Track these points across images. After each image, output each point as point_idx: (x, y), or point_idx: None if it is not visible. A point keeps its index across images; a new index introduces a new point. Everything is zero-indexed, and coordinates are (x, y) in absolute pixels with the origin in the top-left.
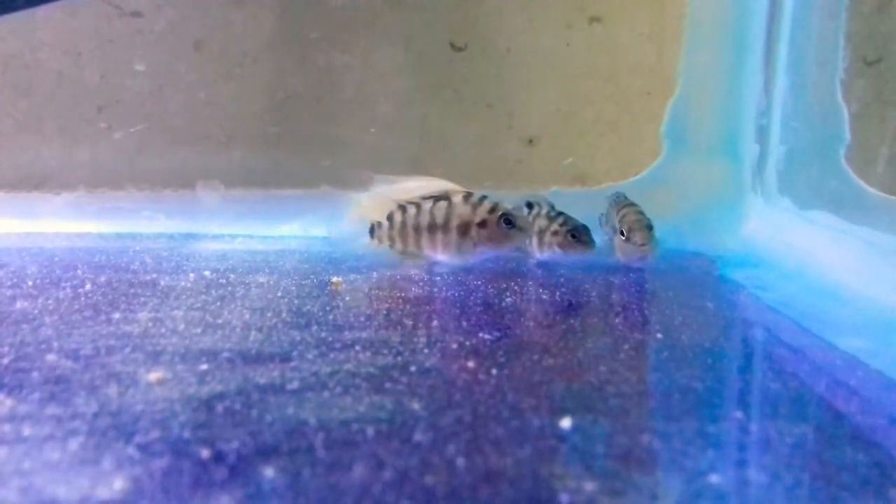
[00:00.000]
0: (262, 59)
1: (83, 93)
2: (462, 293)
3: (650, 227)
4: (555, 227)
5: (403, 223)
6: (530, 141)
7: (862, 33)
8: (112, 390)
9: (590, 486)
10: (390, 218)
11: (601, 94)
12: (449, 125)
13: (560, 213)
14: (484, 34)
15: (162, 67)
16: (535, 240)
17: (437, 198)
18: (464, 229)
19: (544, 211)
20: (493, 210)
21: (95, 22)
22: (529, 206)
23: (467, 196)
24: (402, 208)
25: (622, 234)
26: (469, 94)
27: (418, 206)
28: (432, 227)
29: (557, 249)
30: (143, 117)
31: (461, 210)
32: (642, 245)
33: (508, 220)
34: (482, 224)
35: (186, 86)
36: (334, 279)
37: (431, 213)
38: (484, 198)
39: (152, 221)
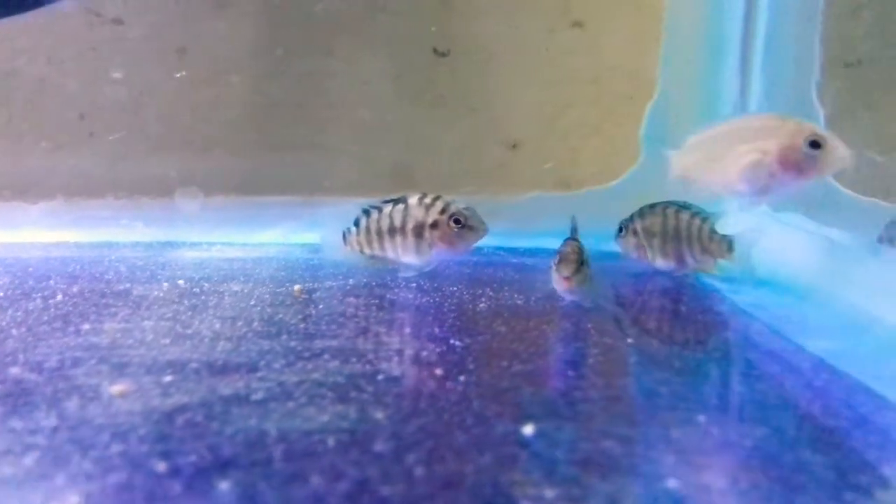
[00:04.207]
0: (245, 65)
1: (65, 100)
2: (437, 299)
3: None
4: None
5: (367, 228)
6: (514, 145)
7: (841, 35)
8: (73, 404)
9: (550, 492)
10: (357, 223)
11: (584, 99)
12: (432, 130)
13: (568, 239)
14: (466, 39)
15: (144, 74)
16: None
17: (395, 200)
18: (418, 231)
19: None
20: (443, 210)
21: (76, 29)
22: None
23: (422, 197)
24: (367, 212)
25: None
26: (452, 98)
27: (380, 209)
28: (392, 231)
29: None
30: (126, 124)
31: (415, 212)
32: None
33: (458, 220)
34: (434, 225)
35: (169, 92)
36: (296, 287)
37: (390, 216)
38: (437, 198)
39: (130, 230)
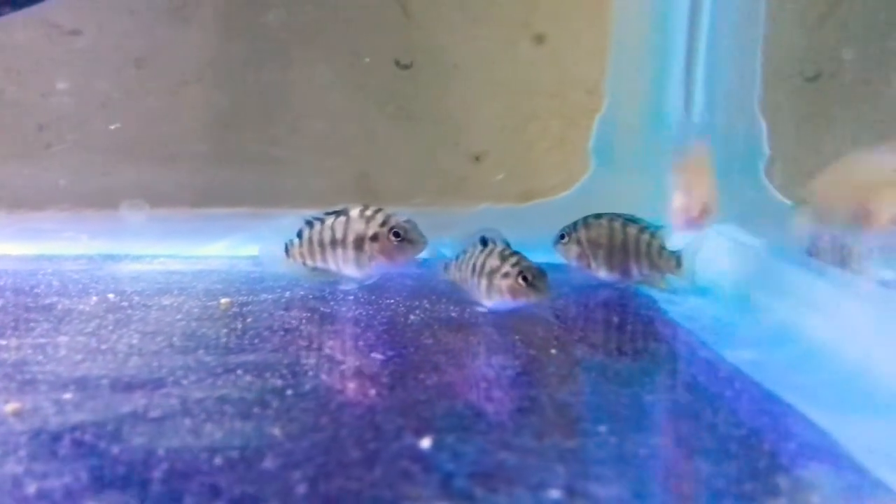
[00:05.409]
0: (205, 76)
1: (23, 112)
2: (371, 311)
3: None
4: (506, 268)
5: (310, 239)
6: (477, 157)
7: (800, 49)
8: None
9: None
10: (300, 234)
11: (547, 111)
12: (394, 142)
13: (515, 253)
14: (429, 51)
15: (102, 85)
16: (483, 283)
17: (337, 212)
18: (359, 244)
19: (498, 249)
20: (384, 223)
21: (34, 40)
22: (484, 241)
23: (363, 210)
24: (309, 224)
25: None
26: (415, 111)
27: (322, 221)
28: (334, 243)
29: (507, 296)
30: (84, 136)
31: (356, 224)
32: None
33: (398, 233)
34: (374, 238)
35: (128, 104)
36: (223, 300)
37: (332, 228)
38: (379, 211)
39: (74, 242)
